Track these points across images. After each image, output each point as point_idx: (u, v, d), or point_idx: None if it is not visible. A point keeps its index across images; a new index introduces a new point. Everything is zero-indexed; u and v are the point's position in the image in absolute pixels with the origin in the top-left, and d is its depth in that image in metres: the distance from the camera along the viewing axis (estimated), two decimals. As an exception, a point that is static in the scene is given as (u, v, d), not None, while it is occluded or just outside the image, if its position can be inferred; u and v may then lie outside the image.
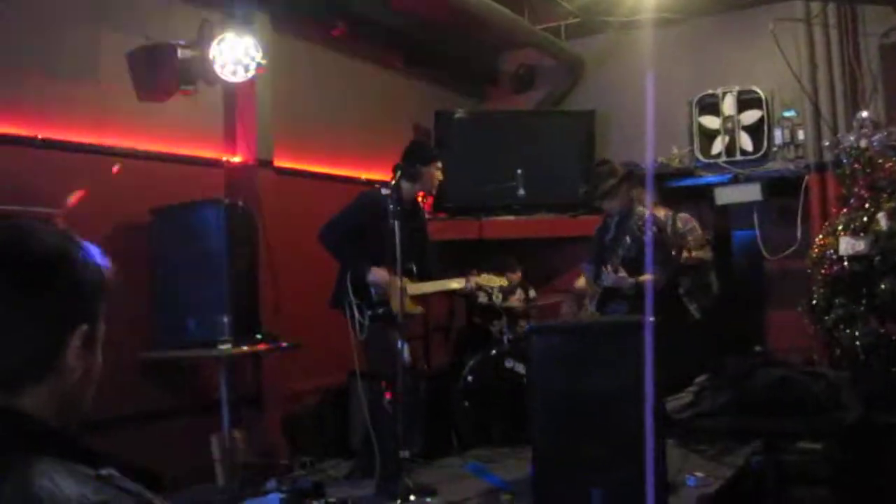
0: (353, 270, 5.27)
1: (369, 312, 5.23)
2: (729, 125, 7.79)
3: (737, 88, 7.74)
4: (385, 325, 5.22)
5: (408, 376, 5.17)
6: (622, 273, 5.30)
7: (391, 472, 5.01)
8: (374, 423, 5.15)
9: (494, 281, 5.76)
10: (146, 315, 5.36)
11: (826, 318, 6.51)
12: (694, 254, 6.37)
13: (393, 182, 5.13)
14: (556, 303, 7.24)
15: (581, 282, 6.06)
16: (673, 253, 6.01)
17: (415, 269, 5.44)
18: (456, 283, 5.66)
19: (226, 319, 5.09)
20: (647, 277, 5.34)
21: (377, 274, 5.18)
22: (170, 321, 5.31)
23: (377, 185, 5.38)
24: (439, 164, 5.57)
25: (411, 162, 5.41)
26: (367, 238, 5.26)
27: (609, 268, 5.38)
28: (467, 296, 6.47)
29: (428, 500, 4.77)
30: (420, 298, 5.62)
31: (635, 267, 5.42)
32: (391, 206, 4.95)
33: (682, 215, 6.69)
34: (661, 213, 6.57)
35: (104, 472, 1.26)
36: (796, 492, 5.00)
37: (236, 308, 5.22)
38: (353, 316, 5.24)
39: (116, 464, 1.31)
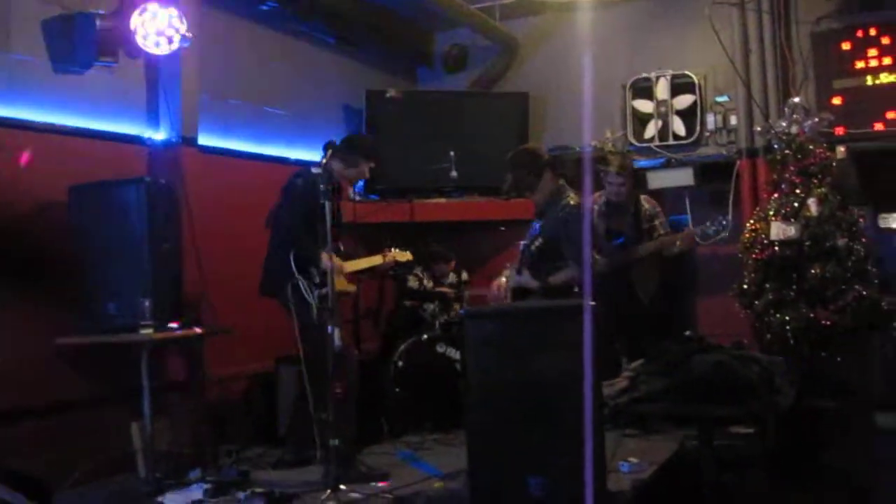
0: (305, 255, 5.11)
1: (316, 292, 5.07)
2: (662, 109, 7.77)
3: (670, 72, 7.73)
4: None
5: (343, 362, 5.04)
6: (525, 274, 5.23)
7: (344, 457, 4.88)
8: (321, 410, 4.96)
9: (403, 256, 6.00)
10: (64, 299, 5.12)
11: (756, 302, 6.55)
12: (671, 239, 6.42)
13: (324, 160, 5.00)
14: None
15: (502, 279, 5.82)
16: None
17: (341, 247, 5.38)
18: (376, 259, 5.86)
19: (147, 303, 4.87)
20: (558, 278, 5.19)
21: (326, 259, 5.03)
22: (88, 305, 5.08)
23: (309, 166, 5.22)
24: (373, 165, 5.57)
25: (352, 150, 5.41)
26: (300, 219, 5.13)
27: (509, 266, 5.32)
28: (393, 272, 6.41)
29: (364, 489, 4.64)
30: (352, 277, 5.64)
31: (550, 258, 5.26)
32: (322, 186, 4.82)
33: (646, 197, 6.67)
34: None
35: None
36: (731, 476, 5.00)
37: (158, 291, 5.01)
38: (299, 298, 5.08)
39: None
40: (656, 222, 6.53)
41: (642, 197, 6.65)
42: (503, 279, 5.54)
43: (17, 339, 4.86)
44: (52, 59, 5.26)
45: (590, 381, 3.58)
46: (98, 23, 5.27)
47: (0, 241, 4.88)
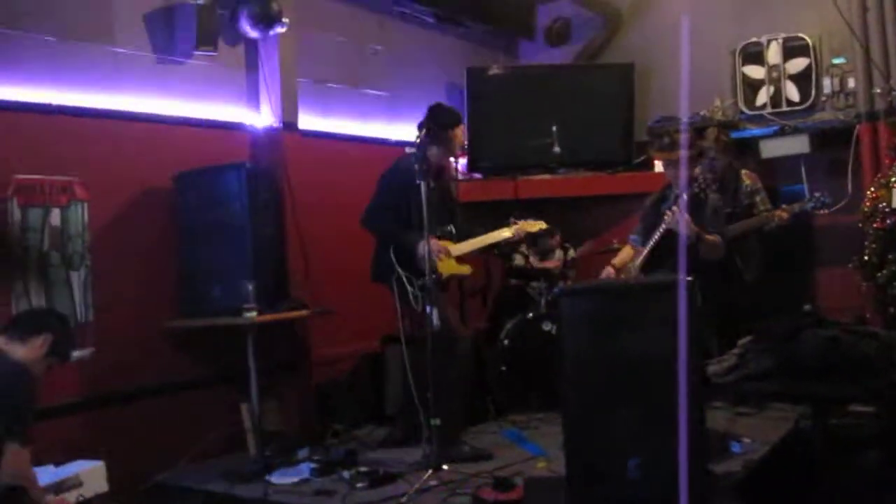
0: (400, 245, 5.13)
1: (419, 282, 5.07)
2: (774, 74, 7.45)
3: (782, 35, 7.40)
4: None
5: (443, 342, 5.02)
6: (685, 214, 4.95)
7: (449, 436, 4.93)
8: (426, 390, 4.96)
9: (534, 226, 5.67)
10: (171, 283, 5.27)
11: (878, 274, 6.24)
12: (778, 213, 6.19)
13: (418, 141, 5.00)
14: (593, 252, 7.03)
15: (622, 256, 5.68)
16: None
17: (452, 230, 5.33)
18: (507, 232, 5.57)
19: (250, 286, 4.95)
20: (714, 238, 5.06)
21: (423, 249, 5.01)
22: (194, 289, 5.22)
23: (405, 149, 5.23)
24: (463, 128, 5.47)
25: (436, 127, 5.27)
26: (404, 207, 5.12)
27: (674, 208, 5.04)
28: (514, 245, 6.27)
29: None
30: (465, 258, 5.51)
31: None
32: (417, 167, 4.80)
33: (746, 172, 6.44)
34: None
35: None
36: (847, 456, 4.78)
37: (261, 274, 5.10)
38: (403, 290, 5.09)
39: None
40: (757, 199, 6.29)
41: (743, 172, 6.40)
42: (610, 269, 5.44)
43: (127, 323, 5.04)
44: (154, 51, 5.41)
45: (684, 358, 3.44)
46: (197, 12, 5.38)
47: (110, 228, 5.05)
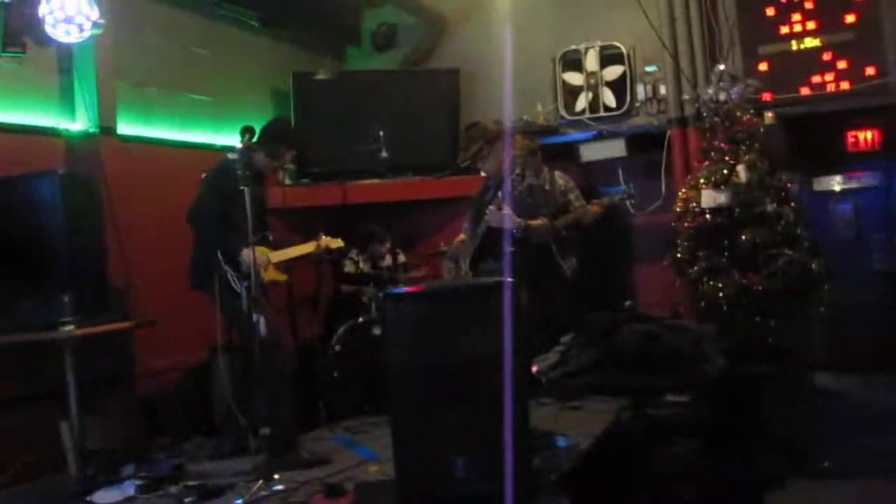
0: (225, 249, 5.02)
1: (244, 284, 5.00)
2: (592, 81, 7.78)
3: (599, 44, 7.73)
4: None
5: (270, 350, 4.98)
6: (507, 210, 5.19)
7: (283, 444, 4.86)
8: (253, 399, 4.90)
9: (335, 242, 5.77)
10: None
11: (691, 270, 6.60)
12: (591, 208, 6.35)
13: (243, 146, 4.93)
14: (424, 276, 7.16)
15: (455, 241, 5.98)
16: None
17: (270, 237, 5.30)
18: (308, 247, 5.65)
19: (67, 298, 4.75)
20: (539, 221, 5.26)
21: (247, 254, 4.95)
22: (5, 303, 4.93)
23: (227, 152, 5.13)
24: (293, 152, 5.59)
25: (275, 141, 5.33)
26: (226, 209, 5.03)
27: (492, 207, 5.26)
28: (328, 257, 6.32)
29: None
30: (283, 266, 5.50)
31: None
32: (239, 171, 4.74)
33: (559, 173, 6.65)
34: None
35: None
36: (666, 445, 5.03)
37: (79, 286, 4.87)
38: (228, 289, 4.98)
39: None
40: (571, 196, 6.51)
41: (556, 173, 6.64)
42: (450, 262, 5.61)
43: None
44: (-45, 50, 5.10)
45: (509, 357, 3.55)
46: (2, 12, 5.10)
47: None
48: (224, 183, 5.10)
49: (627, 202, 6.38)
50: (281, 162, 5.49)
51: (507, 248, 4.97)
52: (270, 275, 5.26)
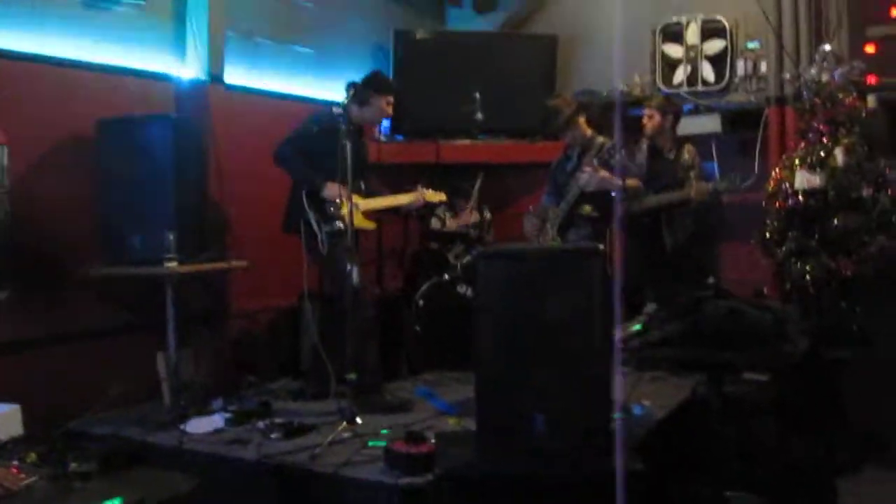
0: (308, 185, 5.23)
1: (326, 228, 5.20)
2: (692, 54, 7.70)
3: (701, 17, 7.64)
4: (339, 242, 5.23)
5: (360, 298, 5.15)
6: (603, 172, 5.25)
7: (368, 387, 5.09)
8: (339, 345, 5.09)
9: (435, 196, 5.90)
10: (91, 231, 5.24)
11: (778, 251, 6.54)
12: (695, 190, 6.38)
13: (345, 100, 5.09)
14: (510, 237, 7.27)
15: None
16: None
17: (363, 186, 5.46)
18: (405, 198, 5.78)
19: (171, 237, 4.97)
20: (634, 182, 5.32)
21: (331, 189, 5.16)
22: (115, 237, 5.19)
23: (329, 107, 5.29)
24: (390, 99, 5.62)
25: (365, 87, 5.44)
26: (319, 155, 5.21)
27: (588, 169, 5.32)
28: (417, 212, 6.44)
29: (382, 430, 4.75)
30: (373, 216, 5.68)
31: (601, 195, 5.45)
32: (341, 125, 4.90)
33: (689, 146, 6.68)
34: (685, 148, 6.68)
35: None
36: (741, 423, 5.06)
37: (183, 226, 5.10)
38: (309, 232, 5.21)
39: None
40: (691, 174, 6.52)
41: (686, 146, 6.66)
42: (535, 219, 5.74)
43: (45, 270, 5.01)
44: (80, -6, 5.32)
45: (598, 322, 3.64)
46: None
47: (30, 173, 5.00)
48: (311, 126, 5.28)
49: (735, 191, 6.39)
50: (372, 111, 5.59)
51: (619, 212, 5.05)
52: (359, 222, 5.41)
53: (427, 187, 5.88)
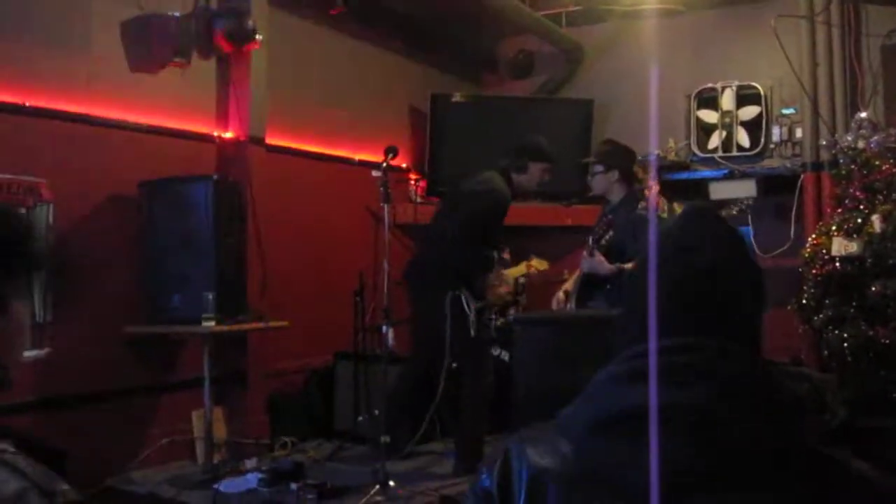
0: (471, 269, 5.33)
1: (474, 306, 5.23)
2: (727, 120, 7.74)
3: (736, 83, 7.69)
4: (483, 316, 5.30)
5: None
6: (599, 257, 5.15)
7: (474, 454, 5.09)
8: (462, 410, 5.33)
9: (542, 264, 5.87)
10: (132, 290, 5.33)
11: (815, 318, 6.47)
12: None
13: (512, 170, 5.48)
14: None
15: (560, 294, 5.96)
16: None
17: (506, 255, 5.58)
18: (520, 269, 6.20)
19: (211, 296, 5.05)
20: (631, 266, 5.23)
21: (501, 276, 5.33)
22: (155, 296, 5.28)
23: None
24: (547, 166, 5.69)
25: (522, 155, 5.64)
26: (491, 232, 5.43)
27: (585, 252, 5.27)
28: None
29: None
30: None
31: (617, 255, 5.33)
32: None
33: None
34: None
35: None
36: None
37: (222, 285, 5.18)
38: (459, 310, 5.19)
39: (16, 438, 1.26)
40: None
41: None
42: (561, 294, 5.61)
43: (86, 326, 5.09)
44: (128, 59, 5.44)
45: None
46: (173, 24, 5.46)
47: (74, 231, 5.11)
48: (502, 208, 5.44)
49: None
50: (528, 178, 5.66)
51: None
52: (501, 295, 5.50)
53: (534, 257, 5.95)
